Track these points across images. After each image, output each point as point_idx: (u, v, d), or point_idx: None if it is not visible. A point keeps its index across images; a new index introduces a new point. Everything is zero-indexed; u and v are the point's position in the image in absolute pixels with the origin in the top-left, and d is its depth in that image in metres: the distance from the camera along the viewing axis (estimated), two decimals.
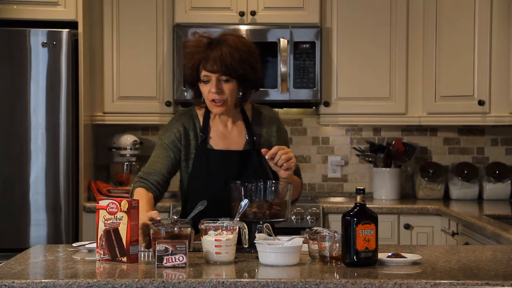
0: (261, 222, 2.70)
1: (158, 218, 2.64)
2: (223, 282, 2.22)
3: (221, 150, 3.04)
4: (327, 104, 4.97)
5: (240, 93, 3.00)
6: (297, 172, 3.07)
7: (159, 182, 3.00)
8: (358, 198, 2.46)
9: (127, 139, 5.04)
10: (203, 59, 2.93)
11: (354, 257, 2.42)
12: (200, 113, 3.10)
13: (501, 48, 4.62)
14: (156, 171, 3.01)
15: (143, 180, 2.99)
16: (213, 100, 2.96)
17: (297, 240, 2.54)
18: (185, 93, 4.83)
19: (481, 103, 4.67)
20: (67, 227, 4.51)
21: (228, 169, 2.99)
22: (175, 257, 2.42)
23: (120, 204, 2.52)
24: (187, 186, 3.08)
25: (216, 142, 3.06)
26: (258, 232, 2.67)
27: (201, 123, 3.07)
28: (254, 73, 2.99)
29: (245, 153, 3.05)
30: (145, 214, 2.67)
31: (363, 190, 2.48)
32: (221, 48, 2.91)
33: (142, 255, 2.64)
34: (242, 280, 2.24)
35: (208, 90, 2.95)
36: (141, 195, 2.91)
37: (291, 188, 2.82)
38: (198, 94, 3.04)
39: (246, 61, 2.94)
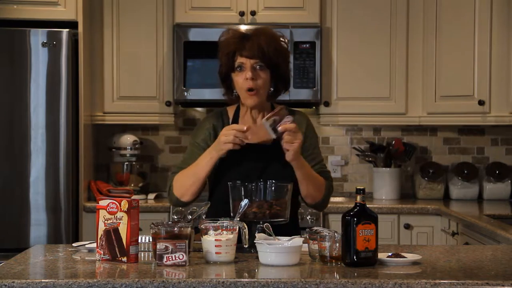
0: (261, 222, 2.71)
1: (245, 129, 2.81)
2: (223, 282, 2.22)
3: (251, 144, 2.96)
4: (327, 104, 4.97)
5: (272, 88, 3.01)
6: (325, 175, 3.05)
7: None
8: (358, 198, 2.46)
9: (127, 139, 5.03)
10: (239, 47, 2.95)
11: (354, 257, 2.42)
12: (230, 110, 3.10)
13: (501, 48, 4.62)
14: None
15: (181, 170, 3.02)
16: (248, 90, 2.95)
17: (297, 240, 2.54)
18: (185, 93, 4.82)
19: (481, 103, 4.67)
20: (67, 227, 4.51)
21: (258, 163, 2.96)
22: (175, 256, 2.42)
23: (120, 204, 2.52)
24: (214, 180, 3.05)
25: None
26: (258, 232, 2.67)
27: (230, 119, 3.07)
28: (286, 66, 3.02)
29: (274, 146, 2.97)
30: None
31: (363, 190, 2.48)
32: (258, 36, 2.95)
33: (142, 255, 2.64)
34: (242, 280, 2.24)
35: (243, 78, 2.95)
36: None
37: (292, 188, 2.82)
38: (229, 89, 3.04)
39: (281, 52, 2.98)
